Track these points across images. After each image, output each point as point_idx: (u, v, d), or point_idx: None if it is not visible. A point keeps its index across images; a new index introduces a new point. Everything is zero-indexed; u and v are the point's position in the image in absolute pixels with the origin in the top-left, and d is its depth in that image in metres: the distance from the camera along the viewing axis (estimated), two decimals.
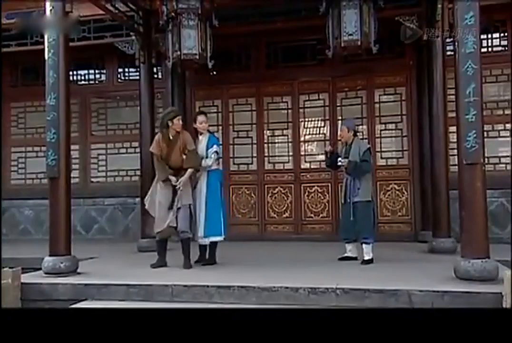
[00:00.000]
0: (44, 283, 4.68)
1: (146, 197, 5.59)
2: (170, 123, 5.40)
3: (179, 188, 5.30)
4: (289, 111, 8.47)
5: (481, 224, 4.22)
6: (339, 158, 5.61)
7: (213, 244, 5.60)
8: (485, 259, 4.15)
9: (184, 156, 5.44)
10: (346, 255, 5.69)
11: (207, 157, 5.52)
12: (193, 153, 5.47)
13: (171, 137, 5.45)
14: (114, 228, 8.86)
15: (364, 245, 5.46)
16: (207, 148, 5.55)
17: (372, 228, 5.54)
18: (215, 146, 5.59)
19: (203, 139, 5.63)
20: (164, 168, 5.40)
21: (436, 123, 6.56)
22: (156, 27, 7.21)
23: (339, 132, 6.02)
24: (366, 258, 5.44)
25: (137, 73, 7.88)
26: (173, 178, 5.34)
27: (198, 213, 5.47)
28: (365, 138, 8.04)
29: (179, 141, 5.45)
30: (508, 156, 7.48)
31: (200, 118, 5.63)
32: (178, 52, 6.19)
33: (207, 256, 5.66)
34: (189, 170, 5.39)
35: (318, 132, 8.40)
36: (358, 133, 5.87)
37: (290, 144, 8.44)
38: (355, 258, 5.59)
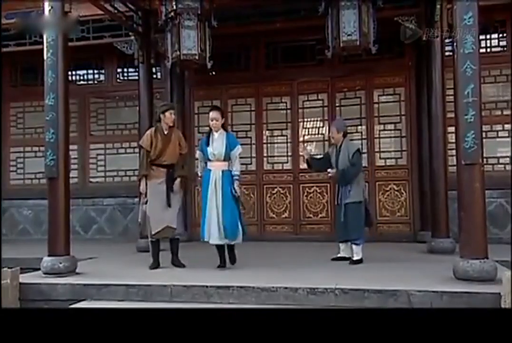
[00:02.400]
0: (43, 283, 4.67)
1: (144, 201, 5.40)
2: (162, 117, 5.34)
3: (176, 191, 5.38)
4: (288, 111, 8.47)
5: (480, 225, 4.23)
6: (328, 169, 5.62)
7: (231, 246, 5.30)
8: (484, 259, 4.15)
9: (178, 152, 5.40)
10: (339, 255, 5.69)
11: (225, 159, 5.17)
12: (185, 162, 5.52)
13: (165, 132, 5.37)
14: (113, 228, 8.86)
15: (353, 246, 5.47)
16: (227, 149, 5.16)
17: (362, 228, 5.52)
18: (239, 148, 5.24)
19: (219, 138, 5.20)
20: (145, 166, 5.32)
21: (435, 124, 6.57)
22: (155, 27, 7.21)
23: (329, 134, 6.00)
24: (355, 258, 5.45)
25: (136, 73, 7.88)
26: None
27: (214, 214, 5.08)
28: (364, 139, 8.07)
29: (173, 137, 5.39)
30: (506, 156, 7.49)
31: (211, 115, 5.21)
32: (178, 52, 6.19)
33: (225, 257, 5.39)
34: (179, 179, 5.40)
35: (317, 132, 8.41)
36: (348, 134, 5.82)
37: (289, 144, 8.44)
38: (348, 258, 5.58)
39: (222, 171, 5.16)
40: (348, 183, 5.46)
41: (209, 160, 5.21)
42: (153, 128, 5.45)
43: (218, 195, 5.12)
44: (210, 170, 5.19)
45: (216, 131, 5.22)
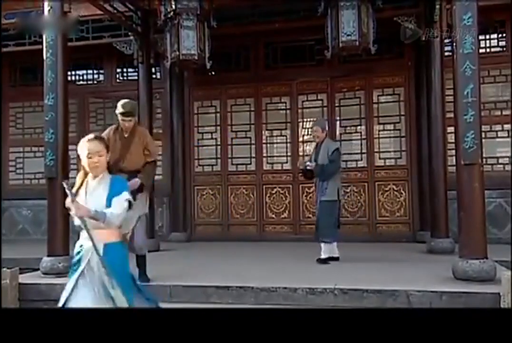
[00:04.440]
0: (42, 283, 4.67)
1: None
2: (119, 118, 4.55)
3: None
4: (288, 111, 8.47)
5: (479, 225, 4.23)
6: (307, 162, 5.66)
7: None
8: (483, 259, 4.16)
9: (142, 158, 4.59)
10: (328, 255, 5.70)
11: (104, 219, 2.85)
12: (153, 171, 4.77)
13: (125, 135, 4.61)
14: None
15: (322, 244, 5.51)
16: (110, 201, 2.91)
17: (333, 227, 5.53)
18: (125, 195, 2.95)
19: (100, 187, 2.97)
20: None
21: (434, 124, 6.57)
22: (154, 27, 7.21)
23: (313, 133, 6.02)
24: (322, 256, 5.49)
25: (136, 73, 7.89)
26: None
27: None
28: (364, 139, 8.07)
29: (136, 140, 4.61)
30: (506, 156, 7.50)
31: (90, 147, 2.94)
32: (177, 53, 6.19)
33: None
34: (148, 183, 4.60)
35: None
36: (328, 134, 5.95)
37: (288, 144, 8.44)
38: (336, 258, 5.60)
39: (106, 245, 2.92)
40: (326, 178, 5.52)
41: (80, 228, 2.93)
42: (112, 127, 4.69)
43: (97, 292, 2.88)
44: (81, 246, 3.01)
45: (95, 176, 2.99)
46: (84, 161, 2.96)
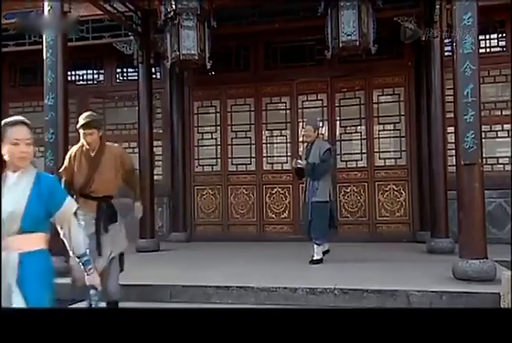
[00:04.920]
0: None
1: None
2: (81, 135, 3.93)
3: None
4: (288, 111, 8.47)
5: (479, 225, 4.24)
6: (298, 160, 5.66)
7: None
8: (483, 259, 4.17)
9: (113, 181, 3.99)
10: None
11: (30, 227, 2.22)
12: (136, 179, 4.36)
13: (92, 154, 3.97)
14: None
15: (314, 245, 5.50)
16: (39, 206, 2.25)
17: (325, 229, 5.51)
18: (71, 202, 2.41)
19: (21, 182, 2.28)
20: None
21: (434, 124, 6.58)
22: (154, 27, 7.22)
23: (303, 133, 6.02)
24: (315, 258, 5.48)
25: (136, 74, 7.88)
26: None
27: None
28: (364, 139, 8.07)
29: (107, 158, 3.98)
30: (506, 156, 7.49)
31: (16, 133, 2.25)
32: (177, 53, 6.20)
33: None
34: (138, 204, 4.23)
35: None
36: (320, 134, 5.94)
37: (288, 144, 8.44)
38: (327, 251, 5.59)
39: (21, 255, 2.20)
40: (316, 178, 5.50)
41: None
42: (76, 147, 4.08)
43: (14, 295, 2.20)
44: None
45: (15, 170, 2.29)
46: (7, 150, 2.24)
